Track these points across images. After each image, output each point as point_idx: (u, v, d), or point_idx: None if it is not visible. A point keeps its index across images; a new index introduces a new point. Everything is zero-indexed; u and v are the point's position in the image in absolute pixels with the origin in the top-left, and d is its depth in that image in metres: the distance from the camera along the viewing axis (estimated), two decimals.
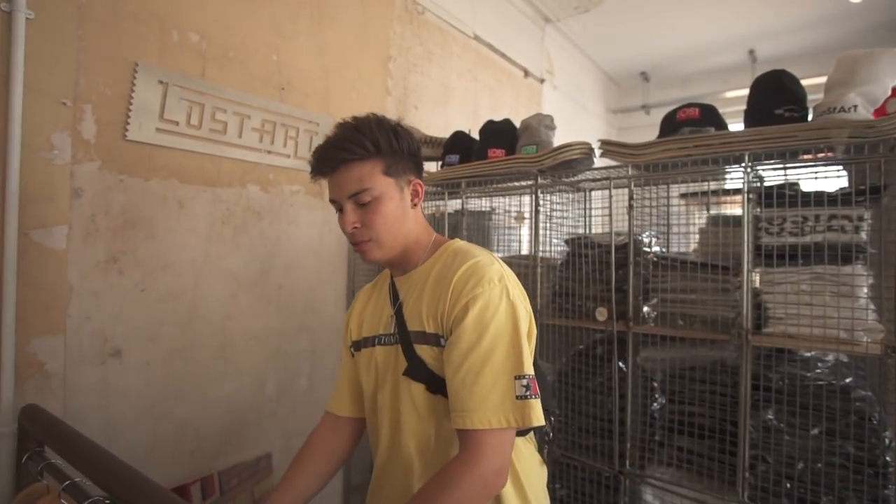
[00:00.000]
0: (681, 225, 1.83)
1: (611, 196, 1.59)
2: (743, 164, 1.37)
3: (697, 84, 4.42)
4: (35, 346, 1.29)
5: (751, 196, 1.36)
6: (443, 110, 2.87)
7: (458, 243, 1.00)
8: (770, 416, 1.38)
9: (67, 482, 0.97)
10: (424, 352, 0.92)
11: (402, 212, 0.96)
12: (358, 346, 1.06)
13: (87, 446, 0.97)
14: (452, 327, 0.87)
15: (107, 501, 0.90)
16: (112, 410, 1.57)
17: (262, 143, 1.96)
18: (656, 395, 1.60)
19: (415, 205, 0.99)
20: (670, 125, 1.56)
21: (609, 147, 1.62)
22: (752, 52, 3.99)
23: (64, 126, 1.34)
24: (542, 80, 3.72)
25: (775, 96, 1.40)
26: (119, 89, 1.55)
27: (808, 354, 1.42)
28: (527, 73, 3.57)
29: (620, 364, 1.60)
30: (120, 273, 1.58)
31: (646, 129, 3.59)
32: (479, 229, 2.26)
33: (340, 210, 0.95)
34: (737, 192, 1.43)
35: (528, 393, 0.83)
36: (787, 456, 1.33)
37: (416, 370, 0.92)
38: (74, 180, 1.46)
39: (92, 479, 0.91)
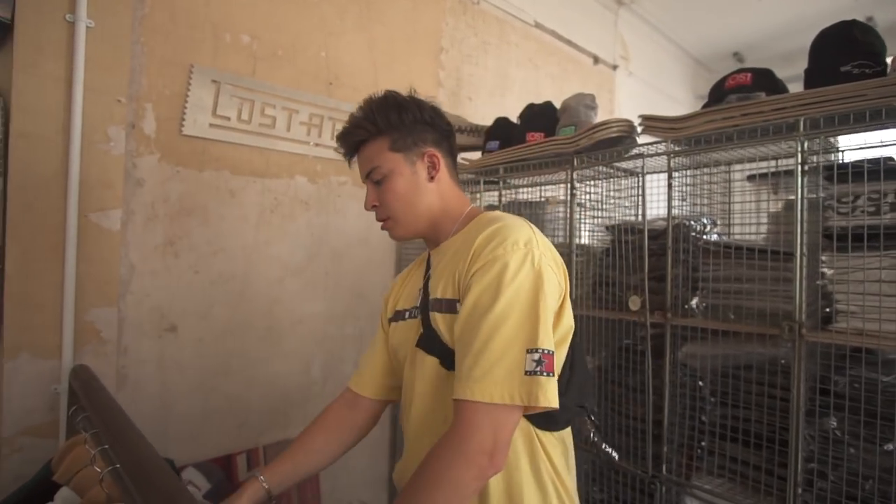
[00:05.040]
0: (745, 213, 1.63)
1: (643, 174, 1.46)
2: (797, 133, 1.18)
3: (803, 60, 3.91)
4: (92, 315, 1.46)
5: (806, 169, 1.17)
6: (500, 101, 2.82)
7: (494, 212, 0.95)
8: (833, 425, 1.17)
9: (92, 432, 1.08)
10: (439, 321, 0.85)
11: (415, 186, 0.94)
12: (391, 321, 1.03)
13: (107, 403, 1.07)
14: (467, 291, 0.80)
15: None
16: (168, 381, 1.72)
17: (309, 136, 2.05)
18: (707, 397, 1.43)
19: (432, 177, 0.95)
20: (717, 94, 1.39)
21: (648, 123, 1.48)
22: (870, 19, 3.45)
23: (119, 121, 1.50)
24: (614, 67, 3.52)
25: (842, 51, 1.20)
26: (176, 88, 1.71)
27: (891, 356, 1.19)
28: (597, 60, 3.39)
29: (658, 360, 1.45)
30: (176, 256, 1.74)
31: None
32: (531, 220, 2.18)
33: None
34: (813, 170, 1.23)
35: (538, 369, 0.73)
36: (851, 473, 1.12)
37: (429, 341, 0.87)
38: (136, 171, 1.63)
39: (103, 431, 1.00)
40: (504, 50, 2.84)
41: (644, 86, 3.77)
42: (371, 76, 2.24)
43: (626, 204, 1.86)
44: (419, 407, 0.88)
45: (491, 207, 2.01)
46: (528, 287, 0.77)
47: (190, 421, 1.77)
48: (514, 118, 2.17)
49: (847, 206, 1.21)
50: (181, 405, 1.75)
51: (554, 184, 2.00)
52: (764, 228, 1.59)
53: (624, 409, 1.53)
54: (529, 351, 0.74)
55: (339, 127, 2.14)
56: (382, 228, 0.98)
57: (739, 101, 1.30)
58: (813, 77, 1.24)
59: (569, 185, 1.68)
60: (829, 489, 1.13)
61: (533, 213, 2.19)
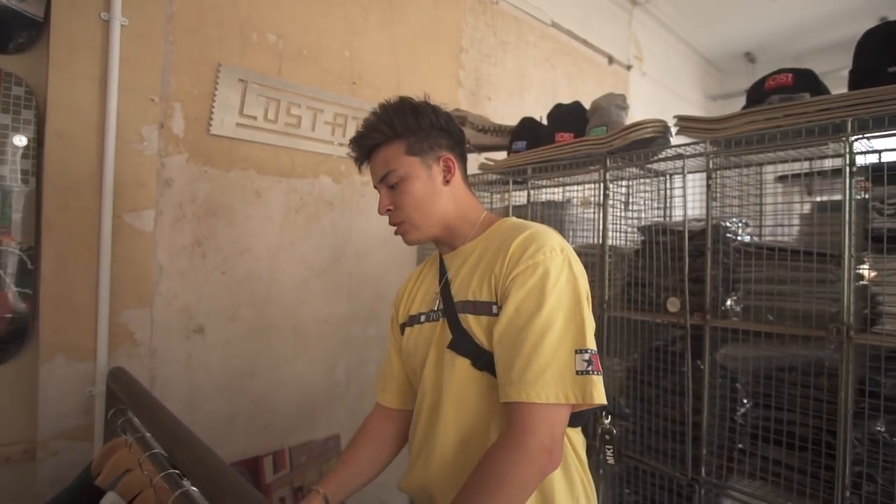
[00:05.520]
0: (777, 214, 1.63)
1: (684, 174, 1.45)
2: (844, 134, 1.18)
3: (814, 62, 3.89)
4: (126, 317, 1.44)
5: (854, 169, 1.17)
6: (518, 101, 2.81)
7: (514, 219, 0.97)
8: (880, 428, 1.17)
9: (137, 435, 1.07)
10: (471, 322, 0.87)
11: (431, 190, 0.94)
12: (403, 326, 1.04)
13: (153, 406, 1.06)
14: (507, 295, 0.82)
15: (163, 454, 0.98)
16: (195, 382, 1.71)
17: (333, 135, 2.04)
18: (740, 399, 1.43)
19: (447, 181, 0.96)
20: (757, 94, 1.39)
21: (685, 123, 1.47)
22: (883, 19, 3.45)
23: (152, 120, 1.49)
24: (628, 67, 3.51)
25: (889, 50, 1.19)
26: (204, 88, 1.70)
27: None
28: (611, 60, 3.39)
29: (699, 362, 1.45)
30: (203, 256, 1.72)
31: None
32: (553, 221, 2.17)
33: None
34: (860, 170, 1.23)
35: (589, 368, 0.76)
36: None
37: (461, 343, 0.87)
38: (165, 171, 1.62)
39: (152, 433, 0.99)
40: (522, 50, 2.83)
41: (656, 86, 3.77)
42: (394, 76, 2.23)
43: (656, 205, 1.86)
44: (449, 408, 0.88)
45: (518, 208, 2.00)
46: (569, 291, 0.81)
47: (217, 423, 1.76)
48: (532, 118, 2.16)
49: (894, 209, 1.20)
50: (208, 407, 1.74)
51: (579, 184, 1.99)
52: (795, 230, 1.59)
53: (662, 412, 1.52)
54: (578, 351, 0.77)
55: None
56: (396, 233, 0.98)
57: (782, 102, 1.29)
58: (858, 77, 1.22)
59: (601, 186, 1.67)
60: (879, 492, 1.12)
61: (554, 213, 2.18)
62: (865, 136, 1.16)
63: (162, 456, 0.98)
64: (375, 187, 0.98)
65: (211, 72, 1.71)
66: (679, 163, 1.62)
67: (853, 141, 1.16)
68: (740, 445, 1.40)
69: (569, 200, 2.17)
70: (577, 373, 0.76)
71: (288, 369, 1.94)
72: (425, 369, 0.93)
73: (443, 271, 0.99)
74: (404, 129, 0.93)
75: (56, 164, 1.31)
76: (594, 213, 2.11)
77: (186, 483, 0.86)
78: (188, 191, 1.68)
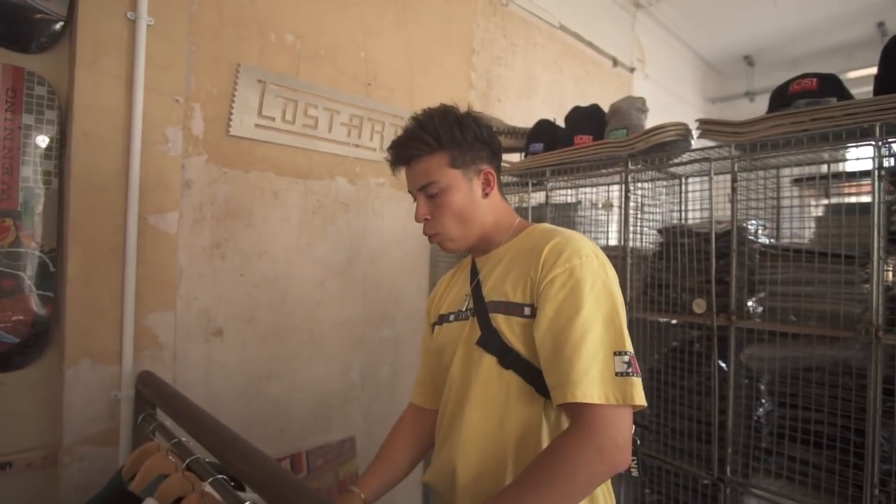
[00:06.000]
0: (793, 217, 1.65)
1: (711, 177, 1.47)
2: (873, 139, 1.20)
3: (812, 65, 3.95)
4: (150, 320, 1.42)
5: (882, 173, 1.19)
6: (527, 103, 2.82)
7: (545, 225, 0.99)
8: None
9: (175, 440, 1.06)
10: (501, 322, 0.88)
11: (470, 202, 0.95)
12: (433, 326, 1.06)
13: (194, 410, 1.05)
14: (543, 297, 0.83)
15: (207, 461, 0.97)
16: (214, 385, 1.69)
17: (349, 137, 2.03)
18: (763, 399, 1.45)
19: (486, 194, 0.97)
20: (781, 99, 1.40)
21: (709, 126, 1.49)
22: (881, 24, 3.52)
23: (177, 121, 1.47)
24: (632, 69, 3.54)
25: None
26: (224, 88, 1.68)
27: None
28: (615, 62, 3.41)
29: (721, 363, 1.46)
30: (222, 258, 1.71)
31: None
32: (564, 222, 2.18)
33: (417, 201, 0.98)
34: (865, 174, 1.25)
35: (629, 370, 0.77)
36: None
37: (489, 340, 0.89)
38: (185, 172, 1.60)
39: (196, 438, 0.98)
40: (531, 52, 2.84)
41: (658, 88, 3.80)
42: (407, 78, 2.23)
43: (674, 207, 1.87)
44: (475, 402, 0.89)
45: (536, 209, 2.01)
46: (606, 295, 0.82)
47: (235, 426, 1.70)
48: (548, 120, 2.17)
49: None
50: (226, 410, 1.72)
51: (594, 186, 2.00)
52: (811, 232, 1.62)
53: (686, 413, 1.53)
54: (617, 354, 0.78)
55: (378, 128, 2.15)
56: (432, 241, 0.99)
57: (809, 106, 1.31)
58: (885, 82, 1.25)
59: (623, 188, 1.68)
60: None
61: (565, 214, 2.19)
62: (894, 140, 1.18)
63: (206, 461, 0.97)
64: (410, 192, 0.99)
65: (230, 72, 1.70)
66: (697, 166, 1.65)
67: (882, 145, 1.18)
68: (764, 445, 1.42)
69: (580, 202, 2.18)
70: (617, 374, 0.77)
71: (304, 372, 1.93)
72: (453, 365, 0.95)
73: (474, 273, 1.00)
74: (449, 142, 0.94)
75: (82, 165, 1.29)
76: (606, 214, 2.13)
77: (237, 489, 0.85)
78: (207, 192, 1.67)
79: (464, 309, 0.97)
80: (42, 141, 1.34)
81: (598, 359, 0.77)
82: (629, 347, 0.80)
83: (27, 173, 1.33)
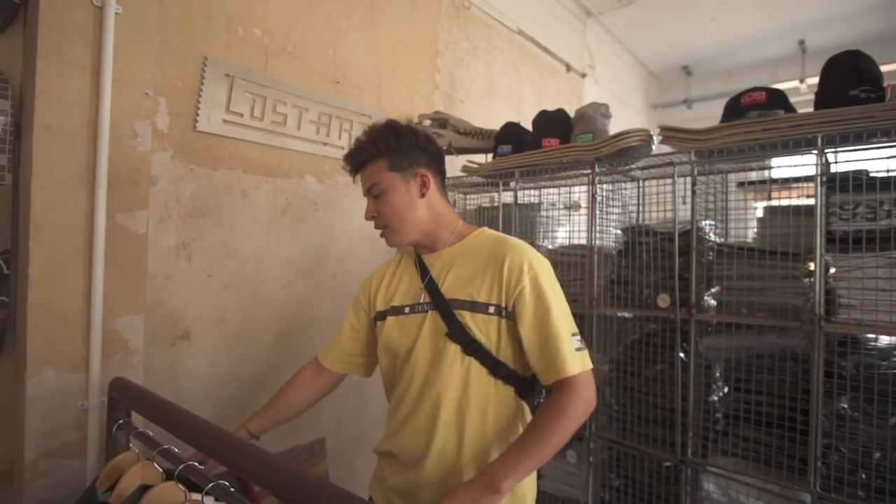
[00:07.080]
0: (738, 218, 1.80)
1: (675, 181, 1.58)
2: (815, 148, 1.34)
3: (743, 77, 4.32)
4: (120, 324, 1.35)
5: (824, 179, 1.33)
6: (488, 104, 2.88)
7: (490, 230, 1.17)
8: (844, 405, 1.34)
9: (161, 448, 1.02)
10: (468, 318, 1.06)
11: (408, 201, 1.12)
12: (384, 315, 1.18)
13: (179, 412, 1.02)
14: (518, 304, 1.03)
15: (201, 467, 0.94)
16: (181, 391, 1.63)
17: (318, 135, 2.01)
18: (718, 384, 1.58)
19: (423, 194, 1.13)
20: (735, 110, 1.53)
21: (670, 133, 1.60)
22: (801, 42, 3.87)
23: (146, 115, 1.40)
24: (583, 75, 3.69)
25: (851, 77, 1.36)
26: (190, 82, 1.62)
27: (885, 343, 1.38)
28: (569, 68, 3.55)
29: (681, 354, 1.58)
30: (189, 259, 1.65)
31: (687, 125, 3.53)
32: (527, 221, 2.25)
33: None
34: (808, 178, 1.40)
35: (581, 345, 1.03)
36: (862, 445, 1.29)
37: (459, 332, 1.06)
38: (150, 168, 1.52)
39: (187, 440, 0.95)
40: (491, 55, 2.91)
41: (607, 93, 3.99)
42: (374, 77, 2.22)
43: (631, 208, 1.99)
44: (443, 384, 1.06)
45: (494, 209, 2.06)
46: (558, 290, 1.07)
47: None
48: (499, 122, 2.23)
49: (848, 213, 1.38)
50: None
51: (557, 187, 2.09)
52: (753, 232, 1.78)
53: (650, 400, 1.64)
54: (574, 335, 1.03)
55: (346, 126, 2.14)
56: (381, 236, 1.17)
57: (759, 118, 1.44)
58: (824, 99, 1.39)
59: (590, 190, 1.77)
60: (846, 461, 1.29)
61: (527, 214, 2.27)
62: (834, 149, 1.33)
63: (200, 467, 0.94)
64: (364, 195, 1.16)
65: (197, 65, 1.63)
66: (659, 169, 1.76)
67: (825, 153, 1.32)
68: (720, 427, 1.55)
69: (541, 202, 2.26)
70: (577, 350, 1.01)
71: (274, 374, 1.88)
72: (414, 353, 1.11)
73: (424, 270, 1.15)
74: (386, 149, 1.10)
75: (45, 161, 1.20)
76: (569, 215, 2.22)
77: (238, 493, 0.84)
78: (173, 190, 1.60)
79: (420, 302, 1.12)
80: None
81: (567, 342, 1.01)
82: (576, 328, 1.05)
83: None
